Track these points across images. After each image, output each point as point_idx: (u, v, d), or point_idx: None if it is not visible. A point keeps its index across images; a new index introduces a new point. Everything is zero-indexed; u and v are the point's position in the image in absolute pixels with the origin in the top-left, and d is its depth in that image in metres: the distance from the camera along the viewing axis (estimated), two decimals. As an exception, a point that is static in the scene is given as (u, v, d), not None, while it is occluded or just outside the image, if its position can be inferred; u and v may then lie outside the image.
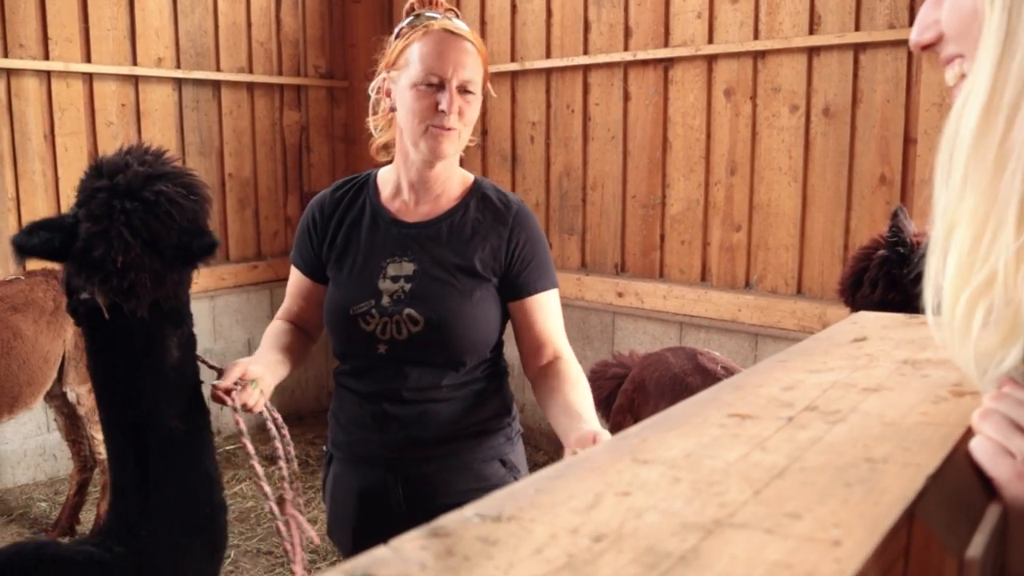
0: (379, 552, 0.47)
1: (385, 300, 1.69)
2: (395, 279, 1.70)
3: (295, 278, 1.86)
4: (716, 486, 0.55)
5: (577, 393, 1.66)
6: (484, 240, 1.72)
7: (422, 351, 1.69)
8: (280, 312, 1.90)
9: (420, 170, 1.72)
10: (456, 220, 1.74)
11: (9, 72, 4.14)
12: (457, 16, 1.77)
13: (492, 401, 1.80)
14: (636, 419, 2.56)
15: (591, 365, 4.47)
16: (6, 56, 4.11)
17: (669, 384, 2.44)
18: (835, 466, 0.58)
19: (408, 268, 1.71)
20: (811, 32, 3.65)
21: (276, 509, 1.58)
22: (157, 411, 1.56)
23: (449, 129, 1.64)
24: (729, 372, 2.52)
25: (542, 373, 1.74)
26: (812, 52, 3.68)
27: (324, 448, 1.93)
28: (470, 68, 1.65)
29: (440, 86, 1.63)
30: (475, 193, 1.78)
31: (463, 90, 1.65)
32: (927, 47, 0.79)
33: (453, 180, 1.78)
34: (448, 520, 0.51)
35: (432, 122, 1.63)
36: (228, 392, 1.54)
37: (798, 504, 0.52)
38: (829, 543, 0.47)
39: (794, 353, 0.94)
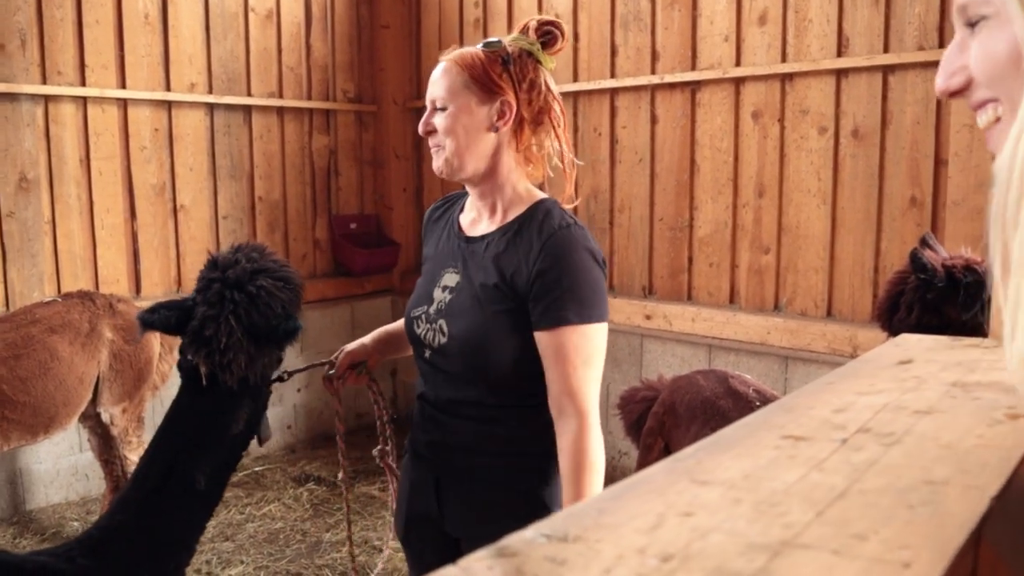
0: (448, 571, 0.48)
1: (432, 308, 1.77)
2: (444, 289, 1.76)
3: None
4: (778, 507, 0.55)
5: (565, 477, 1.62)
6: (511, 261, 1.69)
7: (447, 362, 1.73)
8: None
9: (468, 188, 1.82)
10: (499, 238, 1.73)
11: (47, 98, 4.23)
12: (529, 33, 1.76)
13: (520, 431, 1.74)
14: (666, 442, 2.54)
15: (620, 388, 4.47)
16: (44, 83, 4.21)
17: (700, 407, 2.42)
18: (895, 488, 0.58)
19: (453, 280, 1.76)
20: (839, 54, 3.66)
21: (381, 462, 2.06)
22: (193, 465, 1.74)
23: (436, 147, 1.75)
24: (761, 395, 2.50)
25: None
26: (840, 74, 3.68)
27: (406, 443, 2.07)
28: (436, 85, 1.73)
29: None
30: (530, 214, 1.74)
31: (434, 108, 1.74)
32: (955, 94, 0.79)
33: (515, 200, 1.77)
34: (513, 540, 0.52)
35: (429, 144, 1.79)
36: (337, 384, 1.95)
37: (863, 526, 0.52)
38: (899, 565, 0.47)
39: (840, 376, 0.94)
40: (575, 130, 4.69)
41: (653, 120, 4.35)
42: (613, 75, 4.47)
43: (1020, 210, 0.64)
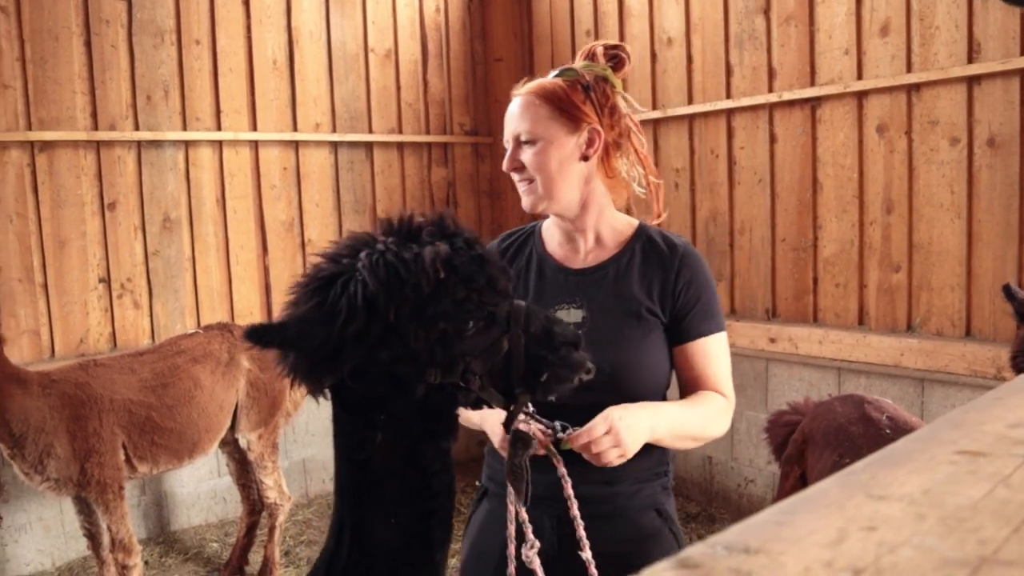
0: (634, 582, 0.48)
1: None
2: None
3: None
4: (967, 523, 0.53)
5: (690, 399, 1.69)
6: (651, 282, 1.71)
7: (591, 396, 1.62)
8: None
9: (557, 221, 1.79)
10: (622, 264, 1.73)
11: (188, 143, 4.52)
12: (598, 59, 1.76)
13: (655, 450, 1.73)
14: (803, 471, 2.45)
15: (746, 413, 4.37)
16: (185, 129, 4.50)
17: (834, 434, 2.33)
18: (1094, 505, 0.56)
19: (577, 315, 1.70)
20: (970, 60, 3.50)
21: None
22: (370, 515, 1.28)
23: (525, 182, 1.72)
24: (894, 422, 2.38)
25: None
26: (972, 81, 3.52)
27: (478, 483, 1.93)
28: (519, 119, 1.70)
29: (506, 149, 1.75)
30: (640, 237, 1.76)
31: (518, 142, 1.70)
32: None
33: (613, 226, 1.78)
34: (693, 552, 0.52)
35: (515, 180, 1.75)
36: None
37: (1065, 542, 0.50)
38: (1113, 582, 0.44)
39: (1009, 391, 0.90)
40: (691, 152, 4.65)
41: (772, 139, 4.27)
42: (729, 95, 4.42)
43: None
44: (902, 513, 0.56)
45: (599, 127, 1.71)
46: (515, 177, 1.73)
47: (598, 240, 1.77)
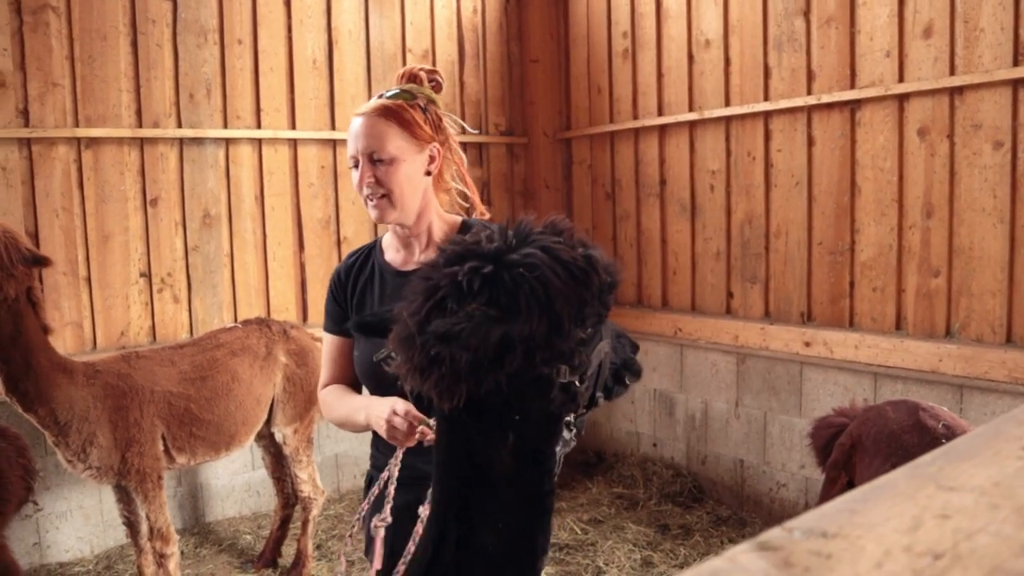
0: (716, 563, 0.50)
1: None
2: None
3: (329, 343, 2.06)
4: (1042, 514, 0.54)
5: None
6: None
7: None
8: (322, 383, 2.07)
9: (396, 229, 1.97)
10: None
11: (228, 141, 4.59)
12: (423, 82, 1.96)
13: None
14: (850, 477, 2.42)
15: (779, 418, 4.34)
16: (226, 127, 4.57)
17: (886, 441, 2.28)
18: None
19: None
20: (1016, 63, 3.46)
21: None
22: (467, 520, 1.27)
23: (376, 197, 1.87)
24: (950, 431, 2.32)
25: None
26: (1017, 84, 3.47)
27: (363, 476, 2.07)
28: (369, 138, 1.86)
29: (356, 165, 1.90)
30: (465, 230, 1.88)
31: (370, 160, 1.86)
32: None
33: (442, 227, 1.97)
34: (771, 536, 0.53)
35: (364, 195, 1.91)
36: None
37: None
38: None
39: (1069, 392, 0.89)
40: (727, 155, 4.63)
41: (810, 142, 4.24)
42: (767, 98, 4.40)
43: None
44: (975, 503, 0.57)
45: (437, 145, 1.94)
46: (366, 191, 1.88)
47: (430, 241, 1.96)
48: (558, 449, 1.44)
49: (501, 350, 1.12)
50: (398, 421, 1.66)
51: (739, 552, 0.51)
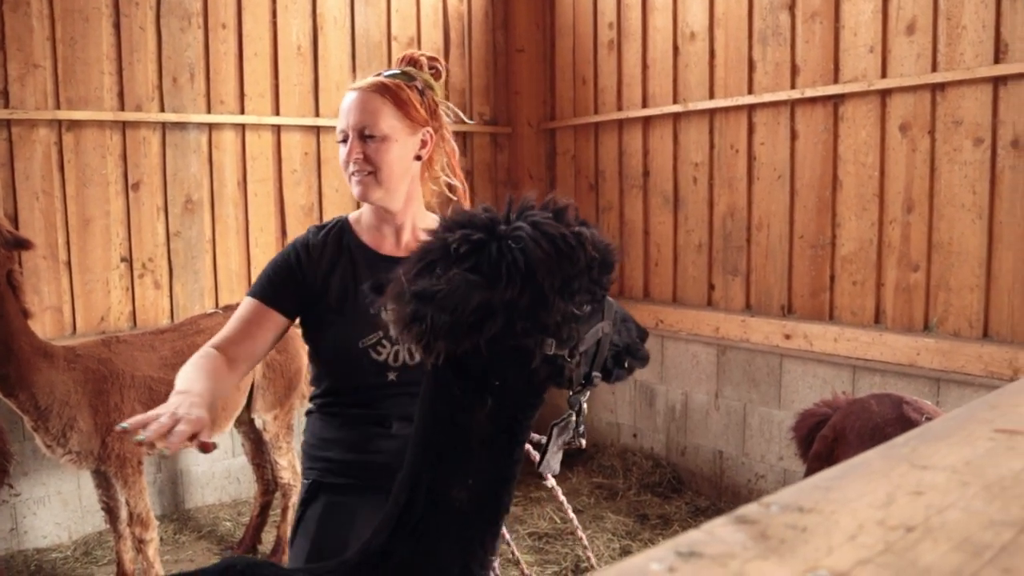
0: (694, 535, 0.51)
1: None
2: None
3: (252, 309, 1.82)
4: (1011, 491, 0.56)
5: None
6: None
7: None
8: (218, 339, 1.78)
9: (375, 211, 1.90)
10: None
11: (211, 126, 4.56)
12: (423, 68, 1.92)
13: None
14: (832, 470, 2.43)
15: (758, 410, 4.38)
16: (209, 112, 4.54)
17: (869, 434, 2.28)
18: None
19: None
20: (997, 61, 3.49)
21: None
22: (443, 479, 1.30)
23: (363, 173, 1.81)
24: None
25: None
26: (998, 82, 3.51)
27: (304, 480, 1.94)
28: (363, 113, 1.80)
29: (345, 140, 1.84)
30: None
31: (360, 135, 1.81)
32: None
33: (422, 219, 1.91)
34: (748, 510, 0.54)
35: (348, 171, 1.85)
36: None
37: (1107, 509, 0.52)
38: None
39: (1041, 379, 0.92)
40: (711, 147, 4.66)
41: (793, 136, 4.27)
42: (751, 91, 4.42)
43: None
44: (946, 481, 0.58)
45: (431, 130, 1.88)
46: (352, 167, 1.83)
47: (414, 231, 1.90)
48: (561, 439, 1.46)
49: (480, 315, 1.18)
50: (163, 419, 1.43)
51: (717, 525, 0.52)
